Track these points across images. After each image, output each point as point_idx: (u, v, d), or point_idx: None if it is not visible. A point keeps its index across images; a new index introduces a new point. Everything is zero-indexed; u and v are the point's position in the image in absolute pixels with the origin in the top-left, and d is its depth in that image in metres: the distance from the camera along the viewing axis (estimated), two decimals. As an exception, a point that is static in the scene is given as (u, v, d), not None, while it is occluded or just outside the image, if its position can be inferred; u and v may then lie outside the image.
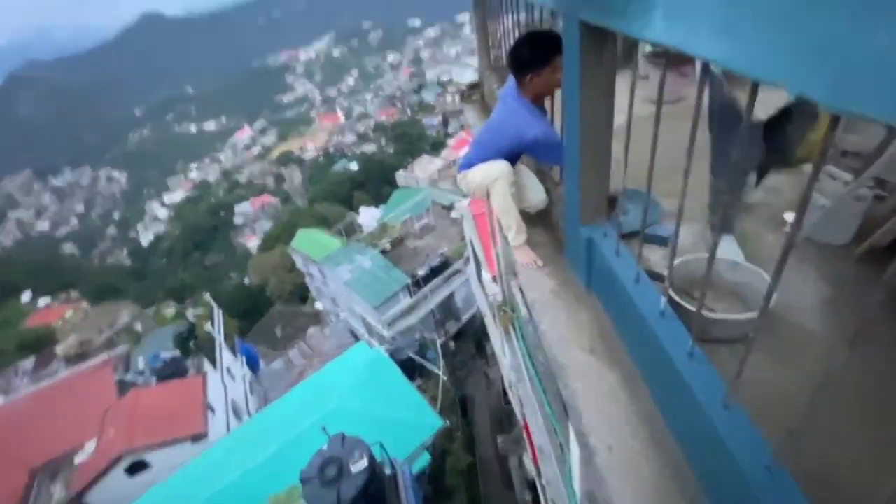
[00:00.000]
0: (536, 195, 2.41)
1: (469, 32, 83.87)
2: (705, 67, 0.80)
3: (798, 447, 0.97)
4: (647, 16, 0.92)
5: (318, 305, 26.19)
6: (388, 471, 6.95)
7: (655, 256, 2.13)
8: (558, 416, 3.86)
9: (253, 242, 53.74)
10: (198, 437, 11.33)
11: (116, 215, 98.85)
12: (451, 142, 45.91)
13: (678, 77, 3.44)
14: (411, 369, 13.85)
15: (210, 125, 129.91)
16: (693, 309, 1.22)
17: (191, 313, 27.41)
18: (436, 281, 17.09)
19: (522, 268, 2.23)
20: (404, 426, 9.39)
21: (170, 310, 30.08)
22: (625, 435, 1.43)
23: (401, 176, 43.85)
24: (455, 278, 17.58)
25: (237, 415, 13.41)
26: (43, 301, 54.17)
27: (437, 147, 52.33)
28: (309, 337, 21.26)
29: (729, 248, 2.03)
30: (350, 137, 74.85)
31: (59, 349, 28.75)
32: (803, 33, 0.55)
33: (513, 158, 2.22)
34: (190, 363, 15.93)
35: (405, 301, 16.63)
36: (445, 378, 13.62)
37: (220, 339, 15.86)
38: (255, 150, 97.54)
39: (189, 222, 68.01)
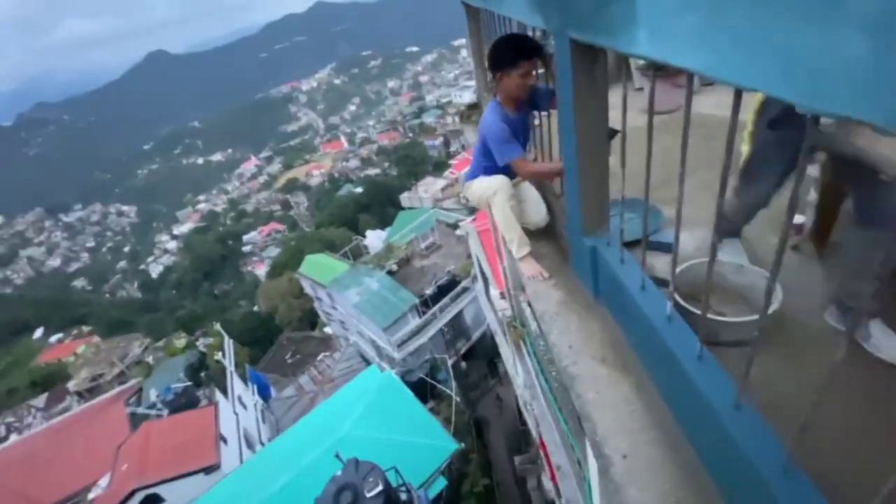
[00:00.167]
0: (537, 213, 2.45)
1: (466, 55, 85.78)
2: (690, 77, 0.84)
3: (811, 445, 0.97)
4: (632, 32, 0.97)
5: (328, 330, 26.14)
6: (403, 496, 6.82)
7: (660, 263, 2.14)
8: (574, 432, 3.81)
9: (261, 270, 54.11)
10: (210, 469, 11.20)
11: (127, 249, 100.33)
12: (453, 162, 46.42)
13: (673, 88, 3.51)
14: (423, 391, 13.69)
15: (217, 157, 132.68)
16: (699, 313, 1.23)
17: (201, 343, 27.44)
18: (444, 300, 17.05)
19: (528, 280, 2.25)
20: (419, 450, 9.24)
21: (181, 341, 30.12)
22: (640, 443, 1.43)
23: (405, 197, 44.23)
24: (463, 296, 17.53)
25: (250, 444, 13.28)
26: (55, 337, 54.55)
27: (439, 168, 52.93)
28: (319, 362, 21.16)
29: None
30: (354, 163, 76.01)
31: (71, 385, 28.73)
32: (775, 42, 0.58)
33: (506, 168, 2.29)
34: (201, 393, 15.89)
35: (414, 321, 16.57)
36: (458, 399, 13.44)
37: (230, 368, 15.85)
38: (262, 179, 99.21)
39: (198, 253, 68.73)
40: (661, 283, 1.76)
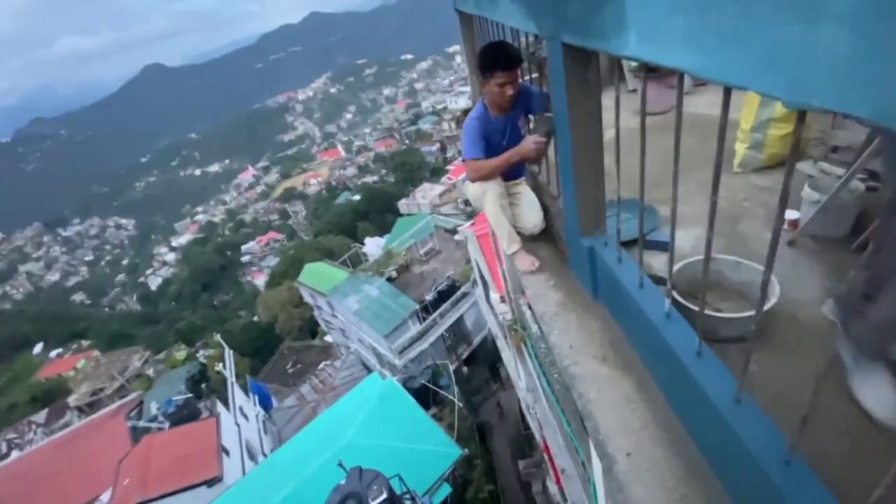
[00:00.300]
0: (532, 218, 2.47)
1: (460, 62, 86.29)
2: (681, 78, 0.86)
3: (812, 436, 0.97)
4: (623, 35, 0.99)
5: (328, 338, 26.06)
6: (408, 503, 6.78)
7: (658, 262, 2.16)
8: (578, 434, 3.80)
9: (260, 280, 53.98)
10: (213, 482, 11.10)
11: (125, 262, 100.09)
12: (450, 167, 46.56)
13: (666, 89, 3.54)
14: (425, 397, 13.63)
15: (214, 168, 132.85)
16: (697, 310, 1.24)
17: (202, 355, 27.30)
18: (444, 305, 17.02)
19: (522, 273, 2.28)
20: (422, 457, 9.19)
21: (181, 353, 29.95)
22: (643, 441, 1.43)
23: (403, 204, 44.28)
24: (463, 301, 17.51)
25: (252, 456, 13.18)
26: (55, 352, 54.27)
27: (436, 173, 53.02)
28: (320, 371, 21.06)
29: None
30: (351, 170, 76.16)
31: (72, 399, 28.56)
32: (761, 40, 0.60)
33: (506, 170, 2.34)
34: (202, 405, 15.77)
35: (415, 328, 16.53)
36: (461, 405, 13.38)
37: (231, 379, 15.77)
38: (259, 189, 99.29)
39: (196, 264, 68.57)
40: (659, 281, 1.77)
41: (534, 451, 10.87)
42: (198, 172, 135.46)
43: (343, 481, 6.33)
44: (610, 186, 1.83)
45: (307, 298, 24.56)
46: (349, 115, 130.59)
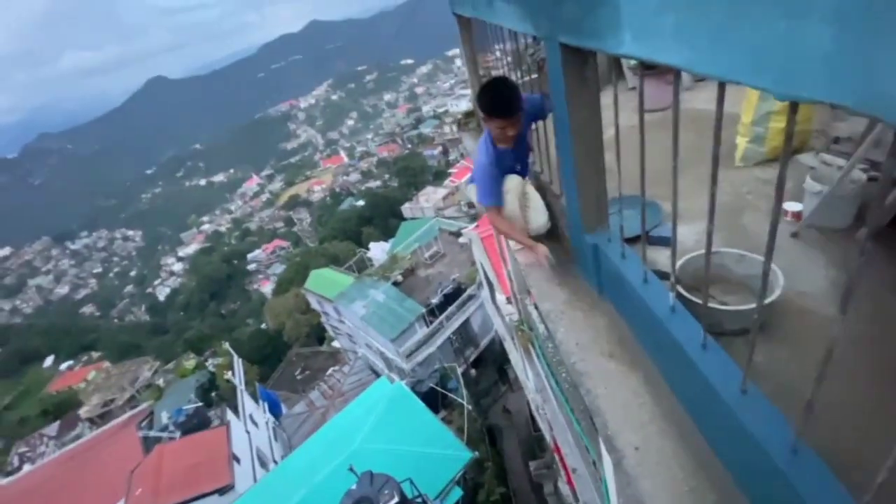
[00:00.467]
0: (538, 219, 2.48)
1: (460, 65, 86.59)
2: (677, 74, 0.88)
3: (819, 424, 0.98)
4: (618, 34, 1.01)
5: (336, 344, 26.14)
6: (419, 507, 6.78)
7: (662, 257, 2.16)
8: (588, 432, 3.80)
9: (267, 287, 54.29)
10: (224, 490, 11.15)
11: (133, 273, 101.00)
12: (452, 170, 46.64)
13: (665, 85, 3.55)
14: (434, 401, 13.62)
15: (219, 177, 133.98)
16: (701, 303, 1.26)
17: (211, 363, 27.46)
18: (450, 308, 17.04)
19: (526, 267, 2.30)
20: (433, 460, 9.18)
21: (190, 362, 30.13)
22: (651, 435, 1.44)
23: (407, 208, 44.41)
24: (470, 303, 17.52)
25: (263, 463, 13.22)
26: (65, 365, 54.76)
27: (439, 177, 53.16)
28: (329, 377, 21.12)
29: None
30: (354, 176, 76.51)
31: (83, 411, 28.81)
32: (750, 35, 0.62)
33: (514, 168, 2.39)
34: (213, 414, 15.85)
35: (422, 331, 16.55)
36: (470, 408, 13.36)
37: (241, 387, 15.84)
38: (264, 197, 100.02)
39: (204, 273, 69.07)
40: (663, 276, 1.78)
41: (544, 452, 10.83)
42: (203, 182, 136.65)
43: (354, 486, 6.35)
44: (612, 184, 1.84)
45: (314, 305, 24.67)
46: (351, 122, 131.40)
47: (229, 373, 17.36)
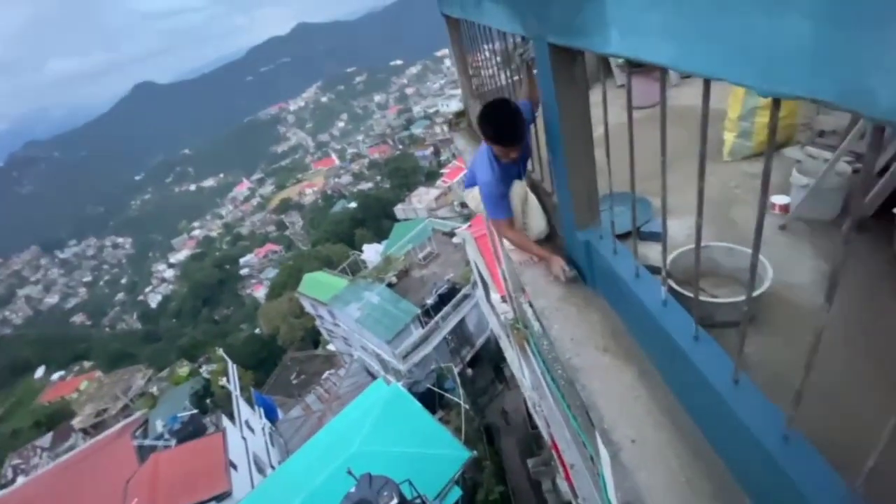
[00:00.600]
0: (538, 225, 2.50)
1: (449, 65, 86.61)
2: (663, 72, 0.90)
3: (811, 412, 1.00)
4: (605, 33, 1.03)
5: (331, 347, 26.03)
6: (419, 508, 6.78)
7: (654, 252, 2.19)
8: (584, 428, 3.82)
9: (260, 292, 53.90)
10: (222, 497, 11.07)
11: (124, 281, 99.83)
12: (444, 171, 46.67)
13: (654, 82, 3.58)
14: (431, 401, 13.62)
15: (209, 182, 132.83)
16: (692, 296, 1.28)
17: (205, 370, 27.26)
18: (446, 308, 17.05)
19: (519, 265, 2.32)
20: (431, 461, 9.18)
21: (184, 369, 29.89)
22: (647, 427, 1.46)
23: (399, 209, 44.38)
24: (464, 303, 17.54)
25: (260, 469, 13.14)
26: (57, 375, 54.01)
27: (431, 177, 53.13)
28: (325, 380, 21.02)
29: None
30: (346, 178, 76.22)
31: (76, 422, 28.47)
32: (733, 33, 0.64)
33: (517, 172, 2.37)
34: (208, 421, 15.73)
35: (417, 332, 16.54)
36: (467, 407, 13.38)
37: (236, 392, 15.72)
38: (255, 201, 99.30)
39: (195, 279, 68.44)
40: (655, 271, 1.81)
41: (542, 449, 10.87)
42: (193, 188, 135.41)
43: (353, 489, 6.34)
44: (603, 181, 1.86)
45: (308, 308, 24.55)
46: (341, 124, 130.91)
47: (224, 379, 17.23)
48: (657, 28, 0.82)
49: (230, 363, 18.14)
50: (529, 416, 11.59)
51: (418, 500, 6.99)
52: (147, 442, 14.98)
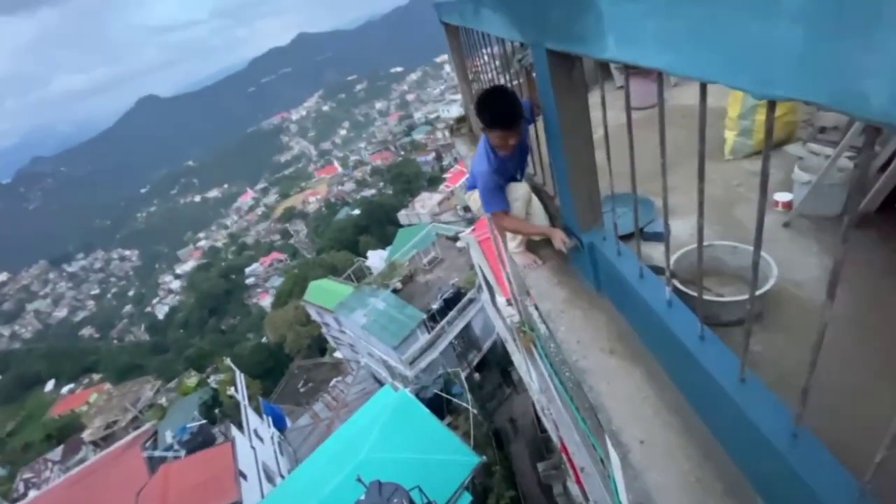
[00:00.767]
0: (540, 223, 2.51)
1: (449, 70, 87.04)
2: (659, 75, 0.91)
3: (820, 409, 1.01)
4: (602, 39, 1.05)
5: (338, 355, 26.07)
6: (429, 514, 6.76)
7: (658, 253, 2.19)
8: (594, 430, 3.81)
9: (266, 301, 54.14)
10: (232, 507, 11.09)
11: (131, 293, 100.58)
12: (447, 175, 46.80)
13: (652, 84, 3.60)
14: (439, 407, 13.59)
15: (214, 193, 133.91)
16: (696, 295, 1.28)
17: (213, 380, 27.33)
18: (451, 313, 17.03)
19: (523, 268, 2.33)
20: (440, 467, 9.15)
21: (192, 379, 29.95)
22: (656, 428, 1.46)
23: (403, 215, 44.50)
24: (470, 307, 17.51)
25: (269, 478, 13.14)
26: (66, 388, 54.38)
27: (434, 182, 53.30)
28: (332, 388, 21.06)
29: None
30: (349, 186, 76.58)
31: (86, 434, 28.61)
32: (725, 39, 0.65)
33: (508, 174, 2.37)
34: (217, 430, 15.76)
35: (423, 337, 16.53)
36: (475, 412, 13.33)
37: (244, 402, 15.77)
38: (259, 210, 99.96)
39: (202, 290, 68.83)
40: (659, 271, 1.81)
41: (552, 453, 10.81)
42: (198, 199, 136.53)
43: (363, 496, 6.33)
44: (604, 182, 1.87)
45: (314, 316, 24.62)
46: (343, 132, 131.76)
47: (232, 388, 17.28)
48: (652, 34, 0.83)
49: (238, 373, 18.22)
50: (538, 419, 11.53)
51: (429, 507, 6.98)
52: (157, 453, 15.02)
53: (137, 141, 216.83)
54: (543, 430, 11.11)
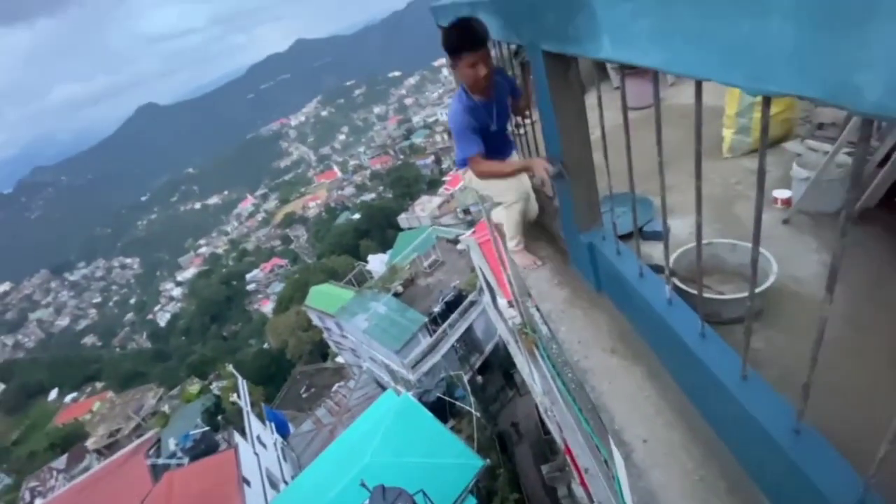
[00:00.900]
0: (531, 210, 2.52)
1: (447, 74, 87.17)
2: (655, 74, 0.92)
3: (823, 405, 1.00)
4: (597, 40, 1.05)
5: (340, 359, 26.02)
6: (434, 518, 6.73)
7: (657, 252, 2.19)
8: (597, 430, 3.79)
9: (267, 307, 54.10)
10: (236, 513, 11.04)
11: (133, 301, 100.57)
12: (446, 178, 46.88)
13: (648, 83, 3.61)
14: (442, 410, 13.56)
15: (214, 200, 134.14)
16: (696, 293, 1.28)
17: (215, 387, 27.30)
18: (453, 315, 17.00)
19: (523, 269, 2.33)
20: (444, 470, 9.11)
21: (194, 386, 29.95)
22: (658, 427, 1.46)
23: (403, 218, 44.51)
24: (472, 310, 17.48)
25: (273, 484, 13.09)
26: (70, 397, 54.36)
27: (433, 185, 53.37)
28: (334, 393, 20.99)
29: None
30: (349, 190, 76.69)
31: (90, 443, 28.59)
32: (718, 37, 0.66)
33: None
34: (220, 437, 15.74)
35: (425, 341, 16.49)
36: (479, 415, 13.29)
37: (246, 408, 15.73)
38: (260, 216, 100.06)
39: (203, 297, 68.83)
40: (659, 270, 1.81)
41: (556, 455, 10.77)
42: (198, 206, 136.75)
43: (367, 501, 6.31)
44: (603, 183, 1.88)
45: (315, 321, 24.59)
46: (342, 136, 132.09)
47: (234, 395, 17.25)
48: (646, 34, 0.84)
49: (240, 379, 18.18)
50: (542, 421, 11.49)
51: (433, 511, 6.94)
52: (160, 461, 15.00)
53: (137, 149, 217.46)
54: (547, 433, 11.08)
